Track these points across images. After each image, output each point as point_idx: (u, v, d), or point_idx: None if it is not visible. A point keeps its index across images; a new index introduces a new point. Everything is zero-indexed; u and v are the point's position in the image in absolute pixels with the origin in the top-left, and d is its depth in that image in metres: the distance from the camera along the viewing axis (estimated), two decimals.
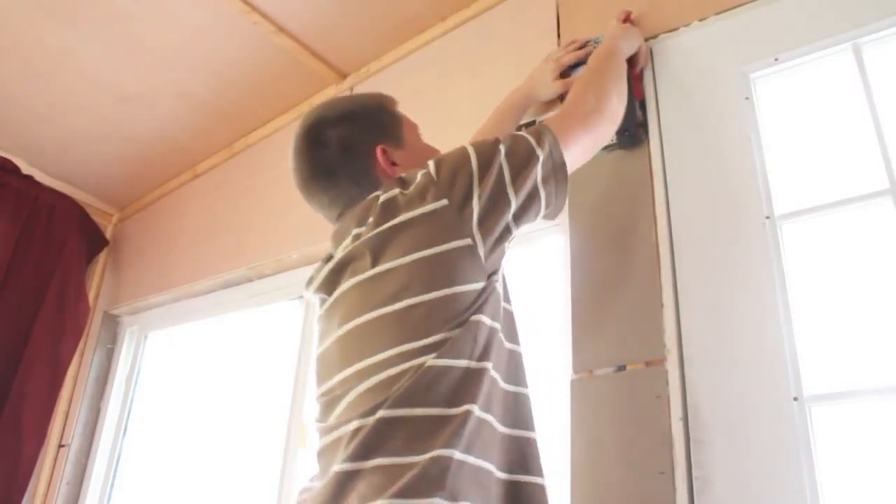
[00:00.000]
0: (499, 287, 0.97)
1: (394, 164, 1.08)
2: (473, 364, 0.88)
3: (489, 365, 0.89)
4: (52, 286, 2.33)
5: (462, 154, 0.98)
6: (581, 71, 1.40)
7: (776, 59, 1.22)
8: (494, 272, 0.96)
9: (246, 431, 2.00)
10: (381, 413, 0.84)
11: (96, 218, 2.59)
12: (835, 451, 0.98)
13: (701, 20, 1.33)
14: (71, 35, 1.90)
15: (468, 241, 0.92)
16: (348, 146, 1.08)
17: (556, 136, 1.01)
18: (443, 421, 0.84)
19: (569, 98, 1.15)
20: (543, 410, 1.36)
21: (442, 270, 0.92)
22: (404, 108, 1.17)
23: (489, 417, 0.88)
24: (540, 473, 0.93)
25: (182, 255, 2.33)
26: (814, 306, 1.07)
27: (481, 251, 0.93)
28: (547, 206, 1.01)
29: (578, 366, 1.21)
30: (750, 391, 1.04)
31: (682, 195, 1.23)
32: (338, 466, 0.84)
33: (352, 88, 2.05)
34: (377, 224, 0.97)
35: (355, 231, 1.00)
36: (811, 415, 1.00)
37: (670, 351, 1.12)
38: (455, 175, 0.95)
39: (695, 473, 1.03)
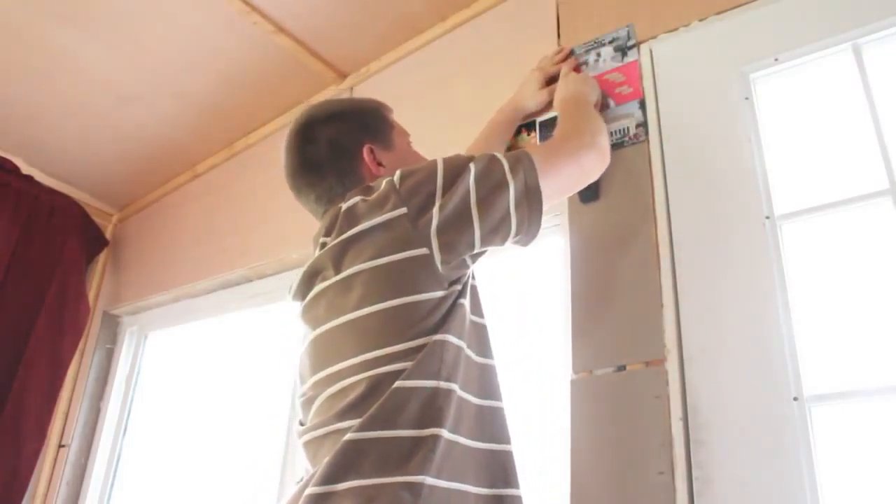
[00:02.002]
0: (464, 302, 0.96)
1: (380, 164, 1.10)
2: (442, 384, 0.88)
3: (456, 386, 0.90)
4: (52, 286, 2.33)
5: (430, 166, 0.98)
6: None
7: (776, 59, 1.22)
8: (455, 282, 0.96)
9: (246, 431, 2.00)
10: (350, 436, 0.84)
11: (96, 218, 2.59)
12: (835, 451, 0.98)
13: (701, 20, 1.33)
14: (71, 35, 1.90)
15: (424, 250, 0.92)
16: (336, 143, 1.10)
17: (536, 164, 1.00)
18: (413, 443, 0.84)
19: (555, 133, 1.17)
20: (543, 411, 1.37)
21: (398, 279, 0.92)
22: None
23: (459, 438, 0.88)
24: (518, 486, 0.93)
25: (182, 255, 2.34)
26: (814, 306, 1.07)
27: (437, 260, 0.93)
28: (517, 233, 0.99)
29: (578, 366, 1.21)
30: (750, 391, 1.04)
31: (682, 195, 1.23)
32: (310, 489, 0.84)
33: (352, 88, 2.05)
34: (339, 233, 0.98)
35: (322, 240, 1.03)
36: (811, 415, 1.00)
37: (670, 351, 1.12)
38: (419, 185, 0.96)
39: (695, 473, 1.03)
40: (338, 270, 0.97)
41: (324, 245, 1.02)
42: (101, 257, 2.60)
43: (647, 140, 1.30)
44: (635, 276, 1.21)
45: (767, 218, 1.13)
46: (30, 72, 2.02)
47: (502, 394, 0.99)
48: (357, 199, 0.99)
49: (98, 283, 2.56)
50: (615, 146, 1.33)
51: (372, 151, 1.10)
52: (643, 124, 1.32)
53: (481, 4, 1.79)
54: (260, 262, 2.04)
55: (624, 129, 1.33)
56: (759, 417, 1.01)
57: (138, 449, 2.27)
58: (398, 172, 0.98)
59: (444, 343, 0.90)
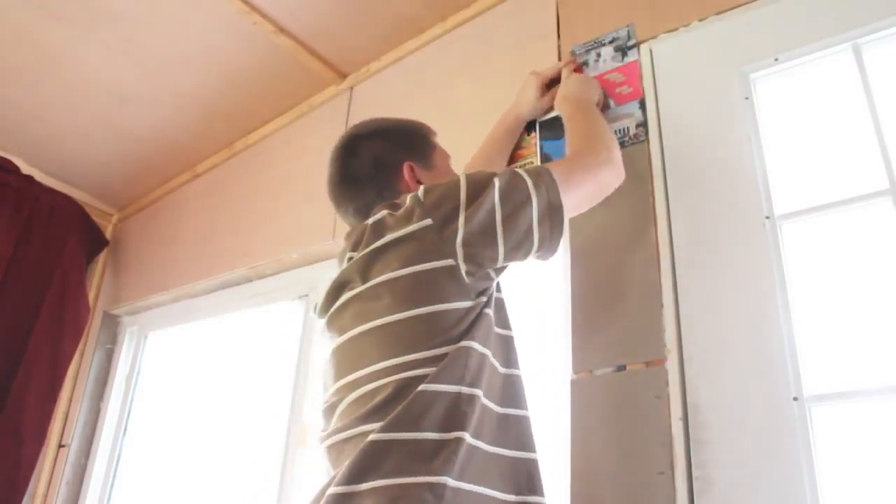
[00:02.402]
0: (490, 312, 0.98)
1: (419, 182, 1.11)
2: (465, 390, 0.89)
3: (480, 392, 0.91)
4: (52, 286, 2.33)
5: (453, 180, 1.00)
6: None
7: (776, 59, 1.22)
8: (482, 293, 0.98)
9: (246, 431, 2.00)
10: (373, 437, 0.85)
11: (96, 218, 2.59)
12: (835, 451, 0.98)
13: (701, 20, 1.33)
14: (71, 35, 1.90)
15: (450, 261, 0.94)
16: (378, 158, 1.13)
17: (557, 181, 1.01)
18: (437, 445, 0.85)
19: (569, 147, 1.18)
20: (543, 411, 1.37)
21: (426, 288, 0.94)
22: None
23: (480, 444, 0.89)
24: (543, 493, 0.94)
25: (182, 255, 2.34)
26: (814, 306, 1.07)
27: (462, 271, 0.94)
28: (539, 249, 1.01)
29: (578, 366, 1.21)
30: (750, 391, 1.04)
31: (682, 195, 1.23)
32: (332, 489, 0.85)
33: (351, 88, 2.05)
34: (366, 245, 1.01)
35: (349, 255, 1.05)
36: (811, 415, 1.00)
37: (670, 351, 1.12)
38: (443, 198, 0.97)
39: (695, 473, 1.03)
40: (365, 280, 0.99)
41: (350, 259, 1.04)
42: (101, 257, 2.60)
43: (647, 140, 1.30)
44: (635, 276, 1.21)
45: (767, 218, 1.13)
46: (30, 72, 2.02)
47: (528, 404, 0.99)
48: (384, 213, 1.02)
49: (98, 283, 2.55)
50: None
51: (412, 169, 1.12)
52: (643, 124, 1.32)
53: (481, 4, 1.79)
54: (260, 262, 2.04)
55: (624, 129, 1.34)
56: (759, 417, 1.01)
57: (138, 449, 2.27)
58: (422, 188, 1.00)
59: (468, 350, 0.91)
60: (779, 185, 1.16)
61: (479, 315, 0.96)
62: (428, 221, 0.96)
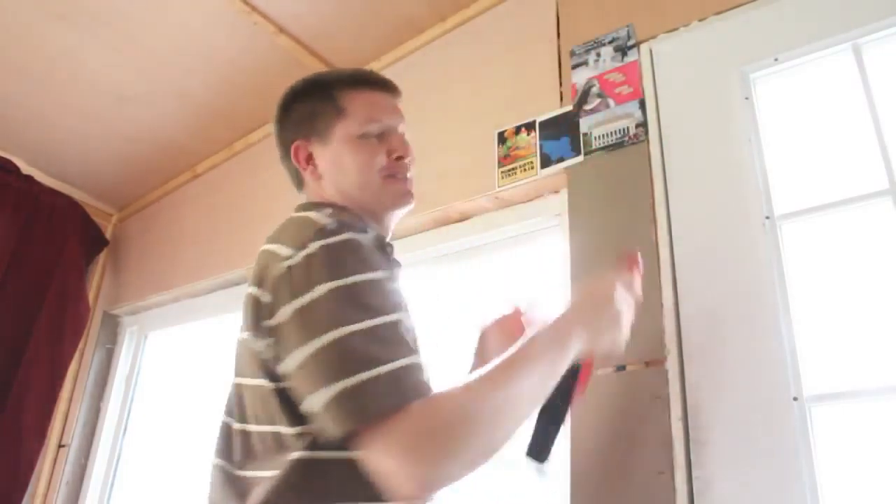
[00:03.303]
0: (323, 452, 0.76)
1: (312, 163, 0.94)
2: None
3: None
4: (52, 286, 2.33)
5: (326, 288, 0.72)
6: None
7: (776, 59, 1.22)
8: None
9: None
10: None
11: (96, 218, 2.59)
12: (835, 451, 0.98)
13: (701, 20, 1.33)
14: (70, 35, 1.90)
15: (268, 382, 0.78)
16: (277, 135, 0.99)
17: (397, 404, 0.66)
18: None
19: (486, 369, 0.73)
20: None
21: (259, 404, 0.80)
22: (404, 109, 1.05)
23: None
24: None
25: (182, 255, 2.34)
26: (814, 306, 1.07)
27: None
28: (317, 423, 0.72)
29: None
30: (750, 391, 1.04)
31: (682, 195, 1.23)
32: None
33: None
34: (255, 319, 0.79)
35: (263, 247, 0.86)
36: (811, 415, 1.00)
37: (670, 351, 1.12)
38: (297, 284, 0.74)
39: (695, 473, 1.03)
40: (237, 370, 0.86)
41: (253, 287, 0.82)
42: (101, 257, 2.60)
43: (647, 140, 1.30)
44: None
45: (767, 218, 1.13)
46: (30, 72, 2.02)
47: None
48: (285, 265, 0.76)
49: (98, 283, 2.55)
50: (615, 146, 1.33)
51: (298, 150, 0.95)
52: (643, 124, 1.32)
53: (481, 4, 1.79)
54: None
55: (624, 129, 1.34)
56: (759, 417, 1.01)
57: (138, 449, 2.27)
58: (312, 250, 0.75)
59: (310, 462, 0.74)
60: (779, 185, 1.16)
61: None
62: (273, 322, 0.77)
